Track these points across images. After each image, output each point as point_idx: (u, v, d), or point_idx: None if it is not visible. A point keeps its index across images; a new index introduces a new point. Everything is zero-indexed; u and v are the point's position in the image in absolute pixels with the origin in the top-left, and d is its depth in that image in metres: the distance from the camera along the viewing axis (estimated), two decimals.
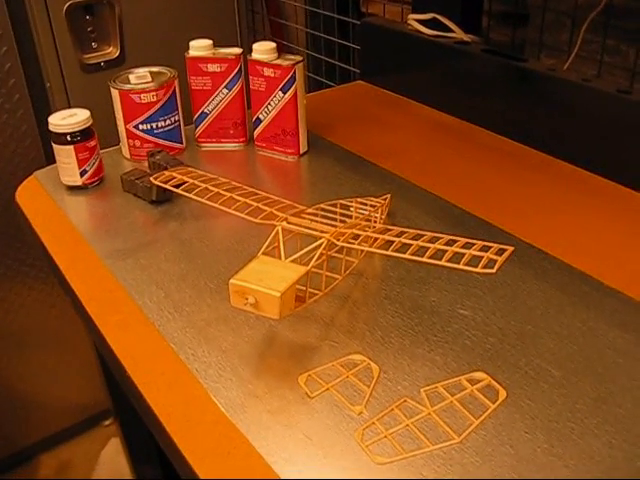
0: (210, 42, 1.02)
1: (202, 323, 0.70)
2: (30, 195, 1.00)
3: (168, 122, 1.02)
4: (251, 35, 1.90)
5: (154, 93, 1.00)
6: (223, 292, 0.74)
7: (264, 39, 1.90)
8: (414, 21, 1.24)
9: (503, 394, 0.60)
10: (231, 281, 0.60)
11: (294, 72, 0.97)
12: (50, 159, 1.56)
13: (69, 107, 1.55)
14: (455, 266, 0.60)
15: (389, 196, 0.85)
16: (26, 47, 1.50)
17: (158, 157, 0.97)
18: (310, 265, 0.63)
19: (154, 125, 1.01)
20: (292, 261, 0.63)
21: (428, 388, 0.60)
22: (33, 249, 1.64)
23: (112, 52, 1.59)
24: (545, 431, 0.56)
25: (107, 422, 2.05)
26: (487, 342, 0.66)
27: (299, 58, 0.98)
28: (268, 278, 0.60)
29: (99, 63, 1.58)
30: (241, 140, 1.07)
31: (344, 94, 1.30)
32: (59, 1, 1.46)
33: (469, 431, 0.56)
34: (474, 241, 0.64)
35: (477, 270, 0.59)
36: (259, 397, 0.60)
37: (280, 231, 0.66)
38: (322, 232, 0.67)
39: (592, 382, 0.61)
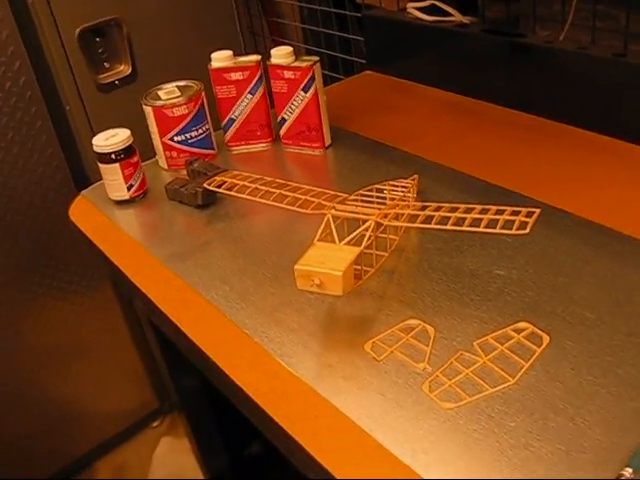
0: (230, 53, 1.10)
1: (269, 309, 0.78)
2: (83, 213, 1.08)
3: (200, 131, 1.10)
4: (252, 38, 1.96)
5: (185, 106, 1.08)
6: (281, 279, 0.82)
7: (264, 41, 1.98)
8: (413, 9, 1.31)
9: (547, 339, 0.67)
10: (296, 267, 0.68)
11: (313, 72, 1.05)
12: (78, 180, 1.64)
13: (90, 127, 1.63)
14: (493, 231, 0.68)
15: (416, 176, 0.93)
16: (42, 74, 1.57)
17: (196, 165, 1.05)
18: (363, 245, 0.71)
19: (188, 136, 1.09)
20: (345, 244, 0.71)
21: (480, 341, 0.68)
22: (69, 266, 1.72)
23: (124, 70, 1.67)
24: (587, 366, 0.64)
25: (155, 423, 2.12)
26: (525, 296, 0.74)
27: (315, 58, 1.06)
28: (328, 260, 0.68)
29: (113, 82, 1.65)
30: (268, 140, 1.15)
31: (355, 85, 1.38)
32: (70, 27, 1.53)
33: (521, 373, 0.64)
34: (504, 207, 0.72)
35: (512, 232, 0.67)
36: (332, 366, 0.69)
37: (330, 218, 0.74)
38: (367, 215, 0.75)
39: (623, 320, 0.69)
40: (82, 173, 1.66)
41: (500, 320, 0.71)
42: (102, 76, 1.64)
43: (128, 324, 1.91)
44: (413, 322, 0.72)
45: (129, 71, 1.66)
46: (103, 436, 2.01)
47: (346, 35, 1.66)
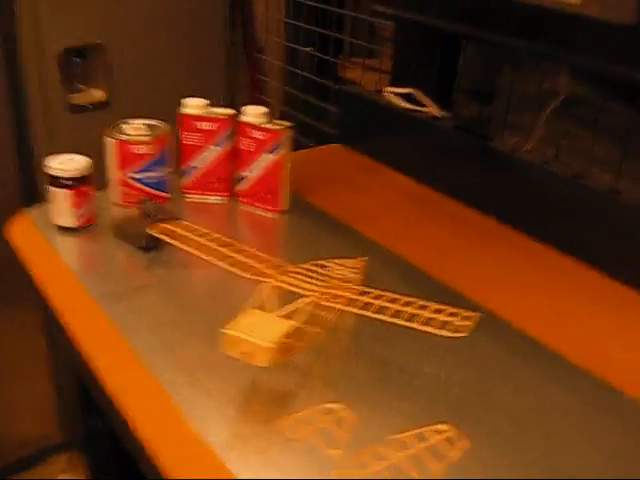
0: (205, 101, 1.10)
1: (191, 367, 0.76)
2: (21, 231, 1.05)
3: (159, 173, 1.09)
4: (233, 89, 1.97)
5: (150, 145, 1.07)
6: (211, 338, 0.79)
7: (244, 94, 1.99)
8: (390, 94, 1.33)
9: (464, 444, 0.67)
10: (225, 331, 0.67)
11: (283, 137, 1.05)
12: (28, 194, 1.61)
13: (52, 145, 1.61)
14: (429, 330, 0.68)
15: (365, 259, 0.93)
16: (14, 84, 1.56)
17: (149, 205, 1.03)
18: (299, 321, 0.70)
19: (146, 175, 1.08)
20: (279, 315, 0.70)
21: (397, 437, 0.67)
22: (3, 284, 1.67)
23: (100, 96, 1.66)
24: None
25: (56, 456, 2.05)
26: (449, 396, 0.74)
27: (288, 124, 1.06)
28: (259, 330, 0.67)
29: (85, 105, 1.64)
30: (225, 194, 1.14)
31: (323, 156, 1.39)
32: (55, 45, 1.53)
33: (434, 478, 0.63)
34: (444, 307, 0.72)
35: (451, 335, 0.67)
36: (245, 438, 0.67)
37: (269, 288, 0.73)
38: (306, 290, 0.75)
39: (541, 437, 0.69)
40: (33, 189, 1.63)
41: (421, 417, 0.70)
42: (75, 96, 1.63)
43: (49, 351, 1.85)
44: (334, 406, 0.71)
45: (105, 97, 1.65)
46: (3, 460, 1.94)
47: (322, 104, 1.68)
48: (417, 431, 0.68)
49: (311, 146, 1.64)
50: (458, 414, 0.71)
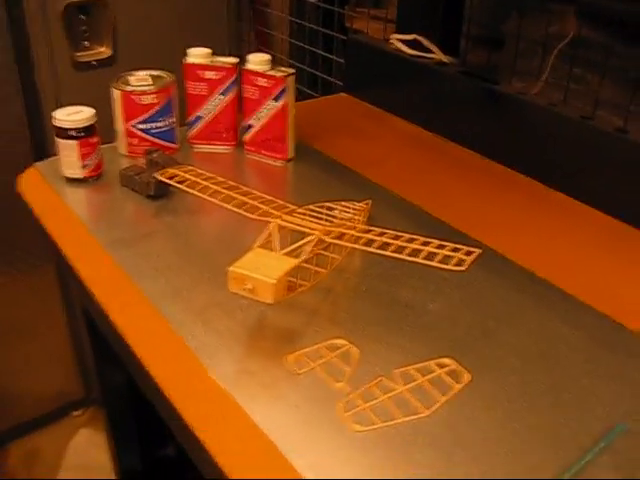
0: (209, 50, 1.10)
1: (199, 307, 0.77)
2: (32, 185, 1.06)
3: (165, 123, 1.10)
4: (238, 43, 1.97)
5: (154, 95, 1.07)
6: (218, 280, 0.81)
7: (249, 47, 1.98)
8: (397, 41, 1.32)
9: (468, 377, 0.68)
10: (230, 268, 0.68)
11: (286, 83, 1.05)
12: (39, 150, 1.62)
13: (58, 101, 1.61)
14: (430, 263, 0.68)
15: (370, 201, 0.94)
16: (20, 42, 1.56)
17: (155, 155, 1.04)
18: (301, 258, 0.71)
19: (152, 125, 1.09)
20: (285, 254, 0.71)
21: (401, 370, 0.69)
22: (15, 242, 1.69)
23: (104, 52, 1.66)
24: (503, 409, 0.65)
25: (77, 412, 2.09)
26: (454, 333, 0.75)
27: (291, 70, 1.06)
28: (264, 267, 0.68)
29: (91, 61, 1.64)
30: (232, 143, 1.15)
31: (328, 105, 1.39)
32: (58, 2, 1.52)
33: (436, 407, 0.64)
34: (446, 243, 0.73)
35: (449, 267, 0.67)
36: (252, 373, 0.68)
37: (275, 227, 0.74)
38: (312, 230, 0.75)
39: (545, 371, 0.70)
40: (43, 146, 1.64)
41: (425, 353, 0.71)
42: (80, 54, 1.63)
43: (65, 308, 1.88)
44: (339, 342, 0.72)
45: (109, 53, 1.65)
46: (20, 418, 1.97)
47: (329, 55, 1.67)
48: (420, 365, 0.69)
49: (317, 97, 1.64)
50: (462, 349, 0.72)
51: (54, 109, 1.56)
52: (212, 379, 0.67)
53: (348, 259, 0.85)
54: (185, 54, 1.10)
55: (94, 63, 1.64)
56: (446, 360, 0.70)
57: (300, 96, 1.79)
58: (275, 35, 1.96)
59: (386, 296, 0.80)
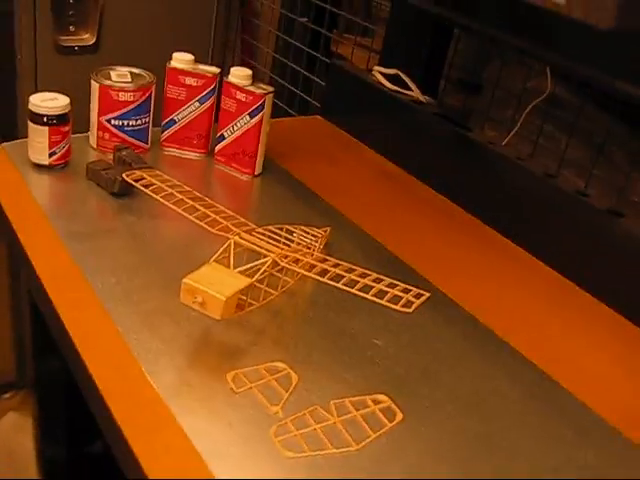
0: (192, 57, 1.11)
1: (148, 312, 0.78)
2: None
3: (139, 122, 1.10)
4: (222, 50, 1.97)
5: (132, 93, 1.07)
6: (170, 287, 0.81)
7: (233, 56, 1.99)
8: (378, 73, 1.35)
9: (400, 416, 0.69)
10: (184, 280, 0.68)
11: (264, 101, 1.06)
12: (6, 131, 1.61)
13: (35, 83, 1.60)
14: (379, 301, 0.70)
15: (329, 229, 0.95)
16: (4, 18, 1.55)
17: (124, 153, 1.04)
18: (254, 278, 0.72)
19: (126, 122, 1.09)
20: (239, 272, 0.72)
21: (337, 401, 0.70)
22: None
23: (88, 38, 1.65)
24: (432, 451, 0.66)
25: (7, 395, 2.05)
26: (395, 371, 0.76)
27: (270, 89, 1.07)
28: (217, 283, 0.69)
29: (73, 47, 1.63)
30: (202, 151, 1.16)
31: (303, 126, 1.40)
32: None
33: (366, 442, 0.66)
34: (398, 282, 0.74)
35: (397, 307, 0.69)
36: (191, 386, 0.69)
37: (232, 244, 0.75)
38: (268, 251, 0.76)
39: (479, 419, 0.72)
40: (12, 126, 1.63)
41: (363, 387, 0.73)
42: (64, 38, 1.62)
43: (11, 288, 1.85)
44: (280, 365, 0.73)
45: (92, 41, 1.64)
46: None
47: (310, 76, 1.69)
48: (356, 398, 0.71)
49: (294, 115, 1.66)
50: (400, 388, 0.73)
51: (28, 89, 1.55)
52: (150, 385, 0.68)
53: (300, 284, 0.86)
54: (166, 53, 1.11)
55: (76, 49, 1.64)
56: (381, 397, 0.71)
57: (276, 111, 1.81)
58: (260, 47, 1.97)
59: (333, 325, 0.81)
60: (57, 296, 0.80)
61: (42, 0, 1.53)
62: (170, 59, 1.11)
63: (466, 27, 1.28)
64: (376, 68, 1.36)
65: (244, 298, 0.73)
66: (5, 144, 1.10)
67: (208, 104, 1.12)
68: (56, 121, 1.01)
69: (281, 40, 1.85)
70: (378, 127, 1.33)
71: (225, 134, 1.11)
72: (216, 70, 1.11)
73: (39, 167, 1.04)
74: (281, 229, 0.88)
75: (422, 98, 1.29)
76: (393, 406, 0.71)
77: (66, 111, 1.02)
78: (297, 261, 0.77)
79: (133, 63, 1.16)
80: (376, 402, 0.71)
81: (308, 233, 0.91)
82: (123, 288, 0.81)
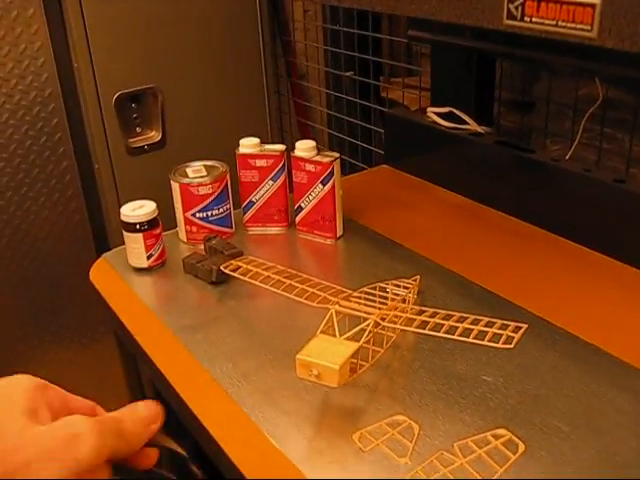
0: (257, 140, 1.18)
1: (268, 389, 0.83)
2: (102, 275, 1.14)
3: (221, 210, 1.18)
4: (278, 117, 2.06)
5: (210, 186, 1.15)
6: (283, 362, 0.88)
7: (289, 122, 2.07)
8: (432, 114, 1.40)
9: (522, 447, 0.73)
10: (298, 356, 0.74)
11: (332, 167, 1.12)
12: (97, 236, 1.72)
13: (115, 187, 1.71)
14: (480, 342, 0.74)
15: (418, 277, 1.00)
16: (77, 133, 1.67)
17: (214, 242, 1.12)
18: (361, 342, 0.77)
19: (209, 213, 1.17)
20: (345, 339, 0.77)
21: (460, 442, 0.74)
22: (75, 318, 1.78)
23: (154, 136, 1.76)
24: (557, 476, 0.69)
25: None
26: (507, 403, 0.79)
27: (336, 155, 1.14)
28: (328, 353, 0.74)
29: (143, 146, 1.74)
30: (284, 224, 1.22)
31: (372, 178, 1.46)
32: (109, 91, 1.63)
33: (495, 477, 0.69)
34: (495, 320, 0.78)
35: (499, 346, 0.73)
36: (321, 452, 0.74)
37: (334, 313, 0.80)
38: (367, 313, 0.82)
39: (594, 436, 0.74)
40: (102, 230, 1.74)
41: (481, 424, 0.76)
42: (133, 140, 1.74)
43: (127, 382, 1.95)
44: (400, 418, 0.77)
45: (159, 137, 1.75)
46: None
47: (367, 125, 1.75)
48: (477, 437, 0.74)
49: (358, 166, 1.72)
50: (515, 419, 0.77)
51: (111, 193, 1.66)
52: (283, 455, 0.73)
53: (402, 335, 0.91)
54: (226, 135, 1.18)
55: (146, 147, 1.75)
56: (501, 431, 0.75)
57: (341, 163, 1.87)
58: (314, 107, 2.05)
59: (440, 370, 0.85)
60: (181, 386, 0.86)
61: (108, 110, 1.64)
62: (238, 145, 1.19)
63: (509, 55, 1.32)
64: (429, 109, 1.41)
65: (355, 361, 0.78)
66: (106, 254, 1.19)
67: (281, 180, 1.19)
68: (147, 226, 1.09)
69: (332, 95, 1.93)
70: (443, 165, 1.38)
71: (302, 205, 1.18)
72: (282, 147, 1.18)
73: (140, 270, 1.12)
74: (374, 288, 0.93)
75: (480, 129, 1.33)
76: (514, 438, 0.74)
77: (155, 215, 1.10)
78: (396, 317, 0.82)
79: (199, 150, 1.24)
80: (497, 437, 0.74)
81: (400, 286, 0.96)
82: (240, 371, 0.87)
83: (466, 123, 1.35)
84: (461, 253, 1.13)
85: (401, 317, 0.81)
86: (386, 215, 1.27)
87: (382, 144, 1.62)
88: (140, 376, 1.86)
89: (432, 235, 1.19)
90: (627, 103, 1.26)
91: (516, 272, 1.07)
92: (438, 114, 1.39)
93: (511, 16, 0.71)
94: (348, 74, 1.84)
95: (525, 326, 0.77)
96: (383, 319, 0.81)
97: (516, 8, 0.71)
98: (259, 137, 1.20)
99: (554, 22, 0.68)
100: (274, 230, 1.23)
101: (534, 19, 0.70)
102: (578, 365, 0.86)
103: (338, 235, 1.18)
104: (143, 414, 0.60)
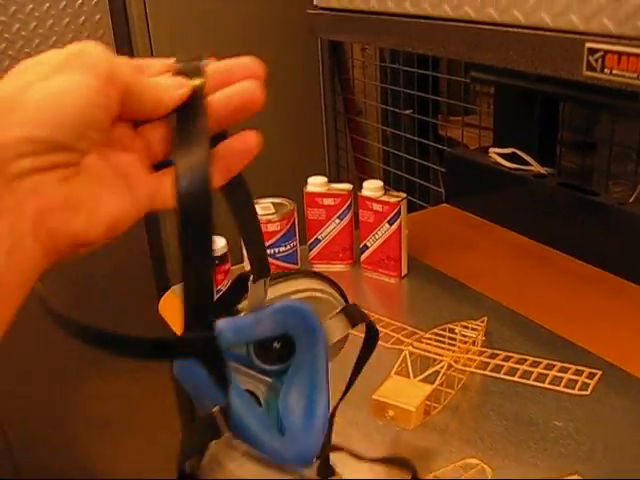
0: (325, 179, 1.20)
1: (338, 429, 0.84)
2: (171, 307, 1.17)
3: (288, 247, 1.20)
4: (336, 164, 2.09)
5: (278, 223, 1.18)
6: (354, 401, 0.88)
7: (347, 158, 2.10)
8: (495, 154, 1.41)
9: None
10: (373, 397, 0.75)
11: (400, 208, 1.14)
12: (158, 277, 1.75)
13: None
14: (556, 388, 0.74)
15: (485, 319, 1.00)
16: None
17: None
18: (435, 384, 0.78)
19: (276, 250, 1.19)
20: (420, 380, 0.78)
21: None
22: None
23: None
24: None
25: None
26: (580, 449, 0.80)
27: (403, 195, 1.15)
28: (403, 395, 0.75)
29: None
30: (349, 262, 1.24)
31: (434, 217, 1.47)
32: None
33: None
34: (569, 365, 0.78)
35: (574, 392, 0.73)
36: None
37: (407, 354, 0.82)
38: (438, 355, 0.83)
39: None
40: (162, 263, 1.78)
41: (554, 469, 0.76)
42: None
43: (181, 410, 1.98)
44: (472, 461, 0.78)
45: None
46: None
47: (426, 163, 1.76)
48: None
49: (416, 204, 1.73)
50: (588, 464, 0.77)
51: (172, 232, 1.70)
52: None
53: (470, 376, 0.92)
54: (291, 173, 1.21)
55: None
56: (576, 477, 0.75)
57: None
58: (371, 144, 2.07)
59: (510, 414, 0.86)
60: None
61: None
62: (296, 182, 1.22)
63: (573, 99, 1.33)
64: (492, 149, 1.43)
65: (429, 403, 0.79)
66: (174, 287, 1.22)
67: (347, 219, 1.21)
68: (218, 262, 1.12)
69: (389, 132, 1.95)
70: (506, 205, 1.39)
71: (368, 244, 1.19)
72: (349, 187, 1.20)
73: None
74: (444, 329, 0.94)
75: (543, 171, 1.34)
76: None
77: (225, 251, 1.13)
78: (469, 360, 0.83)
79: (260, 186, 1.26)
80: None
81: (468, 327, 0.96)
82: None
83: (528, 164, 1.36)
84: (526, 295, 1.13)
85: (474, 360, 0.82)
86: (449, 254, 1.28)
87: (439, 182, 1.63)
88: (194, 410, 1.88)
89: (496, 276, 1.20)
90: None
91: (582, 315, 1.07)
92: (501, 154, 1.40)
93: (591, 68, 0.73)
94: (407, 112, 1.86)
95: (599, 372, 0.77)
96: (456, 361, 0.82)
97: (596, 60, 0.72)
98: (317, 173, 1.22)
99: (635, 75, 0.69)
100: (339, 267, 1.24)
101: (614, 71, 0.71)
102: None
103: (403, 274, 1.19)
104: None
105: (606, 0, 0.70)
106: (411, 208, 1.66)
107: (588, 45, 0.72)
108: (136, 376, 1.85)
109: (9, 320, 0.36)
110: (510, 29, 0.81)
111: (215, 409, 0.46)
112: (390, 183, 1.95)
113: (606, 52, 0.71)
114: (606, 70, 0.72)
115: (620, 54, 0.70)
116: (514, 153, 1.38)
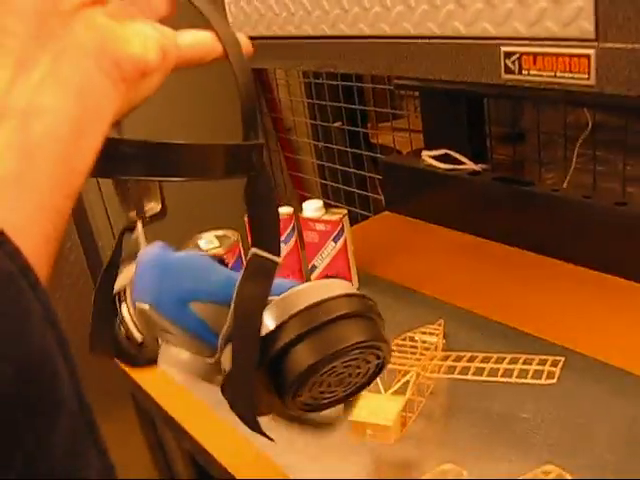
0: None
1: (314, 455, 0.85)
2: None
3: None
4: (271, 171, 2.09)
5: (224, 255, 1.17)
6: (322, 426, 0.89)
7: (282, 176, 2.11)
8: (428, 157, 1.43)
9: None
10: (351, 419, 0.76)
11: (342, 225, 1.15)
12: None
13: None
14: (524, 381, 0.76)
15: (442, 321, 1.02)
16: (79, 213, 1.70)
17: None
18: (407, 395, 0.79)
19: None
20: (392, 394, 0.79)
21: None
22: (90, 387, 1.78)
23: (154, 207, 1.78)
24: None
25: None
26: (549, 438, 0.82)
27: (344, 211, 1.17)
28: (378, 411, 0.76)
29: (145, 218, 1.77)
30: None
31: (375, 226, 1.49)
32: None
33: None
34: (532, 357, 0.81)
35: (542, 382, 0.75)
36: None
37: None
38: (402, 365, 0.84)
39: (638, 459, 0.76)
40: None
41: (528, 462, 0.78)
42: (132, 214, 1.76)
43: (149, 449, 1.94)
44: (447, 466, 0.79)
45: (159, 208, 1.77)
46: None
47: (362, 172, 1.78)
48: (527, 475, 0.76)
49: (357, 213, 1.75)
50: (560, 453, 0.79)
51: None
52: None
53: (437, 381, 0.93)
54: (223, 196, 1.21)
55: (148, 219, 1.77)
56: (549, 467, 0.77)
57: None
58: (305, 160, 2.09)
59: (479, 413, 0.88)
60: (230, 464, 0.88)
61: (109, 184, 1.67)
62: (233, 211, 1.21)
63: (498, 96, 1.36)
64: (424, 153, 1.45)
65: (404, 414, 0.80)
66: None
67: (292, 242, 1.21)
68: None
69: (321, 146, 1.96)
70: (445, 206, 1.41)
71: (316, 263, 1.20)
72: (289, 210, 1.20)
73: None
74: (404, 339, 0.96)
75: (477, 167, 1.37)
76: (563, 473, 0.76)
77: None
78: (436, 366, 0.84)
79: (196, 215, 1.26)
80: (546, 473, 0.76)
81: (426, 333, 0.98)
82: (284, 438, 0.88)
83: (462, 162, 1.39)
84: (477, 292, 1.15)
85: (441, 365, 0.84)
86: (396, 262, 1.30)
87: (377, 190, 1.65)
88: (163, 446, 1.86)
89: (445, 277, 1.22)
90: (615, 125, 1.30)
91: (534, 305, 1.10)
92: (434, 157, 1.43)
93: (509, 71, 0.75)
94: (336, 124, 1.88)
95: (562, 359, 0.80)
96: (424, 369, 0.83)
97: (513, 63, 0.74)
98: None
99: (552, 73, 0.71)
100: None
101: (532, 72, 0.73)
102: (615, 392, 0.88)
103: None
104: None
105: (514, 4, 0.72)
106: (353, 219, 1.68)
107: (504, 49, 0.75)
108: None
109: (83, 180, 0.35)
110: (427, 41, 0.83)
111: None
112: (329, 197, 1.96)
113: (522, 54, 0.74)
114: (524, 71, 0.74)
115: (535, 55, 0.73)
116: (446, 154, 1.41)
